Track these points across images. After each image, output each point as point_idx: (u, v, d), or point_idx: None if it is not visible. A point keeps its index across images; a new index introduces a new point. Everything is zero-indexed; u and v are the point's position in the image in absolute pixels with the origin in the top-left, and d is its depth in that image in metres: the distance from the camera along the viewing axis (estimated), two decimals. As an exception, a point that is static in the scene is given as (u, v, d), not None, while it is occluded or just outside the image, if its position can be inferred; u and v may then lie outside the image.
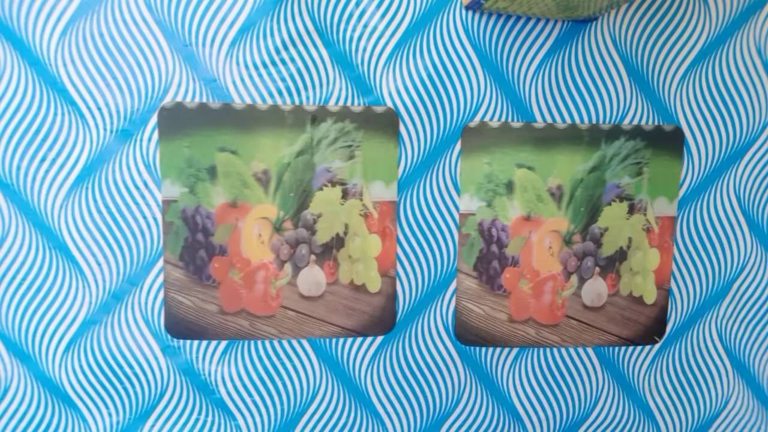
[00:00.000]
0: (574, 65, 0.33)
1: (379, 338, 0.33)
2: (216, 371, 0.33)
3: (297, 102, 0.31)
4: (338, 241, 0.32)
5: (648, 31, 0.33)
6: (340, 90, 0.32)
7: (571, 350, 0.34)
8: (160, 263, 0.32)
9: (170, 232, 0.31)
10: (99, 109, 0.31)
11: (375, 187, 0.31)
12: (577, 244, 0.34)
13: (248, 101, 0.31)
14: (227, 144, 0.31)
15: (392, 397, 0.34)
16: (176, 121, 0.31)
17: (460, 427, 0.35)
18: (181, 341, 0.32)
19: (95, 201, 0.31)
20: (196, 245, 0.31)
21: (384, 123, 0.32)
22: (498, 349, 0.34)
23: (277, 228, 0.32)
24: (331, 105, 0.32)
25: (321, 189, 0.32)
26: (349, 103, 0.32)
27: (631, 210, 0.34)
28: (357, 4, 0.31)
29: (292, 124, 0.31)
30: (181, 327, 0.32)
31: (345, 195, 0.32)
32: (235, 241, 0.32)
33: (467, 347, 0.34)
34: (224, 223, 0.31)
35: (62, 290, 0.31)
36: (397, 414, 0.34)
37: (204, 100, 0.31)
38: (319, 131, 0.31)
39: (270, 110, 0.31)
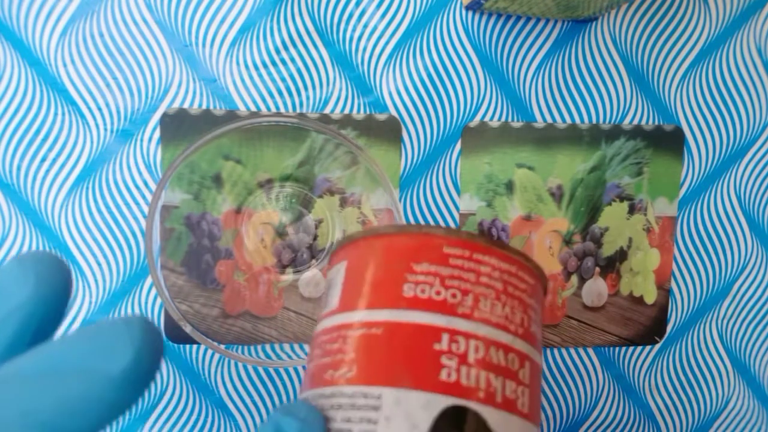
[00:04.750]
0: (574, 65, 0.33)
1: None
2: (216, 372, 0.33)
3: (297, 102, 0.31)
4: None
5: (648, 31, 0.33)
6: (341, 90, 0.32)
7: (572, 350, 0.34)
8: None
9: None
10: (99, 109, 0.31)
11: (376, 195, 0.31)
12: (577, 244, 0.33)
13: (249, 101, 0.31)
14: (232, 152, 0.31)
15: (392, 397, 0.34)
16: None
17: (460, 427, 0.35)
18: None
19: (96, 201, 0.31)
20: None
21: (386, 130, 0.32)
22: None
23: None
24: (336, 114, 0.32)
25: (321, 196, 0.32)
26: (348, 104, 0.32)
27: (632, 210, 0.34)
28: (357, 4, 0.31)
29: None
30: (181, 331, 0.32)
31: (343, 203, 0.32)
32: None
33: (467, 347, 0.34)
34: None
35: (62, 290, 0.31)
36: (398, 414, 0.34)
37: (205, 100, 0.31)
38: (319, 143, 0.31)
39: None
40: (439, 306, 0.16)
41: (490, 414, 0.15)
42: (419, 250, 0.17)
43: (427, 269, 0.17)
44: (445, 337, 0.16)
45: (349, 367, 0.16)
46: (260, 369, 0.33)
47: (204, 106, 0.31)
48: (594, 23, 0.33)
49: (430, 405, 0.15)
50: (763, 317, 0.36)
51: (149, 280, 0.32)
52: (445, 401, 0.15)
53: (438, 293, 0.17)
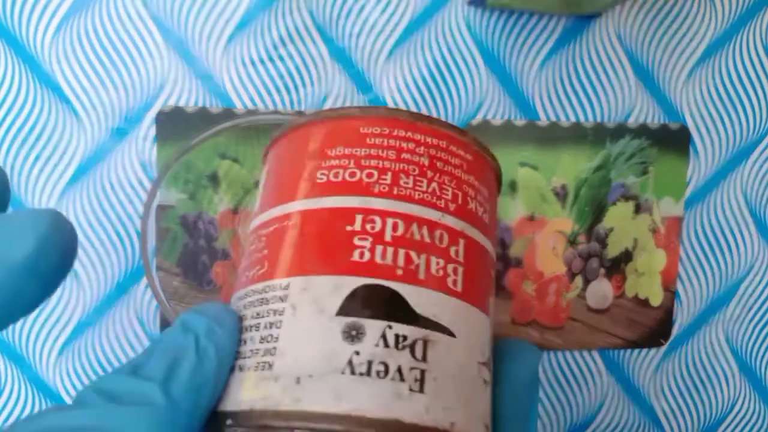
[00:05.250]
0: (579, 62, 0.32)
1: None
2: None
3: (296, 99, 0.31)
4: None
5: (654, 27, 0.33)
6: (340, 87, 0.31)
7: (576, 353, 0.34)
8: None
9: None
10: (93, 106, 0.30)
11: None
12: (582, 244, 0.33)
13: (246, 99, 0.31)
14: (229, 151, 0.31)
15: (393, 401, 0.34)
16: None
17: (461, 431, 0.34)
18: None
19: (90, 201, 0.31)
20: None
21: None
22: (501, 352, 0.34)
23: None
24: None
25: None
26: (347, 101, 0.31)
27: (637, 210, 0.33)
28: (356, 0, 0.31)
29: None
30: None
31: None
32: (233, 242, 0.31)
33: (469, 350, 0.34)
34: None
35: (56, 292, 0.31)
36: (398, 418, 0.34)
37: (201, 98, 0.31)
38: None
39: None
40: (353, 187, 0.15)
41: (409, 292, 0.14)
42: (334, 135, 0.17)
43: (341, 152, 0.16)
44: (359, 218, 0.15)
45: (262, 264, 0.16)
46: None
47: (200, 104, 0.31)
48: (599, 19, 0.32)
49: (339, 287, 0.14)
50: (771, 319, 0.35)
51: (144, 282, 0.31)
52: (356, 282, 0.14)
53: (352, 175, 0.16)
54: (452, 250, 0.15)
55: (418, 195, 0.16)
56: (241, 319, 0.15)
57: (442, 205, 0.16)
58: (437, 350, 0.14)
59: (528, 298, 0.33)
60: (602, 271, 0.33)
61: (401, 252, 0.15)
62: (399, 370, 0.13)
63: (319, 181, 0.16)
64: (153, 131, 0.31)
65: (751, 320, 0.35)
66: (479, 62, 0.32)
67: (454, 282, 0.15)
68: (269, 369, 0.14)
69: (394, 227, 0.15)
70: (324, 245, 0.15)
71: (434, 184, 0.16)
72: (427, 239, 0.15)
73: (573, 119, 0.33)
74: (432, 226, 0.15)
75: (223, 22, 0.30)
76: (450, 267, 0.15)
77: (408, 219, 0.15)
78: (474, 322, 0.15)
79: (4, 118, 0.30)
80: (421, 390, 0.13)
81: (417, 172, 0.16)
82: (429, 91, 0.32)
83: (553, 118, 0.33)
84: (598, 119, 0.33)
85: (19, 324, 0.31)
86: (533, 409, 0.17)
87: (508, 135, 0.32)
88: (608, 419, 0.35)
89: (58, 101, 0.30)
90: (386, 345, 0.13)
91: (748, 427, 0.36)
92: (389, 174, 0.16)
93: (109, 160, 0.31)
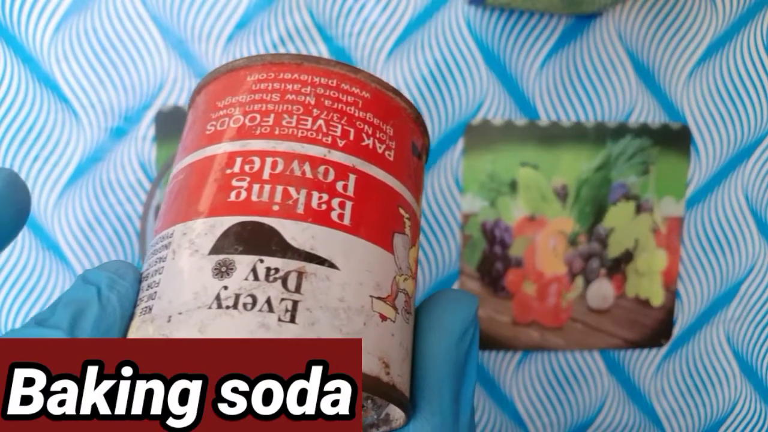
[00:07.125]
0: (579, 62, 0.32)
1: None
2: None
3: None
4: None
5: (655, 26, 0.33)
6: (340, 87, 0.31)
7: (576, 353, 0.34)
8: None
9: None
10: (93, 106, 0.30)
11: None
12: (582, 244, 0.33)
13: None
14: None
15: (393, 401, 0.33)
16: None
17: (462, 431, 0.34)
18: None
19: (89, 201, 0.31)
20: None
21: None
22: (501, 353, 0.34)
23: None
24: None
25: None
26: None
27: (638, 210, 0.33)
28: (357, -1, 0.31)
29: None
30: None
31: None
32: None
33: (470, 350, 0.33)
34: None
35: (54, 292, 0.31)
36: (398, 418, 0.34)
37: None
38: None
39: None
40: (236, 133, 0.16)
41: (286, 226, 0.14)
42: (224, 88, 0.17)
43: (229, 102, 0.17)
44: (239, 161, 0.15)
45: (159, 219, 0.16)
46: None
47: (200, 104, 0.30)
48: (599, 19, 0.32)
49: (214, 228, 0.14)
50: (772, 319, 0.35)
51: (144, 282, 0.31)
52: (231, 221, 0.14)
53: (236, 121, 0.16)
54: (339, 184, 0.15)
55: (301, 133, 0.16)
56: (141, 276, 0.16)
57: (329, 142, 0.16)
58: (314, 282, 0.14)
59: (528, 299, 0.33)
60: (603, 271, 0.33)
61: (279, 188, 0.15)
62: (268, 301, 0.13)
63: (207, 132, 0.16)
64: (152, 131, 0.30)
65: (752, 320, 0.35)
66: (479, 62, 0.32)
67: (341, 216, 0.15)
68: (149, 313, 0.14)
69: (273, 165, 0.15)
70: (204, 191, 0.15)
71: (320, 122, 0.16)
72: (309, 175, 0.15)
73: (574, 119, 0.33)
74: (316, 162, 0.15)
75: (222, 21, 0.30)
76: (335, 201, 0.15)
77: (288, 156, 0.15)
78: (366, 255, 0.15)
79: (3, 118, 0.30)
80: (292, 320, 0.13)
81: (301, 111, 0.16)
82: (429, 91, 0.32)
83: (553, 118, 0.32)
84: (599, 119, 0.33)
85: (18, 324, 0.31)
86: (471, 360, 0.17)
87: (509, 135, 0.32)
88: (609, 420, 0.35)
89: (57, 101, 0.30)
90: (256, 278, 0.14)
91: (749, 428, 0.36)
92: (272, 115, 0.16)
93: (108, 159, 0.30)
